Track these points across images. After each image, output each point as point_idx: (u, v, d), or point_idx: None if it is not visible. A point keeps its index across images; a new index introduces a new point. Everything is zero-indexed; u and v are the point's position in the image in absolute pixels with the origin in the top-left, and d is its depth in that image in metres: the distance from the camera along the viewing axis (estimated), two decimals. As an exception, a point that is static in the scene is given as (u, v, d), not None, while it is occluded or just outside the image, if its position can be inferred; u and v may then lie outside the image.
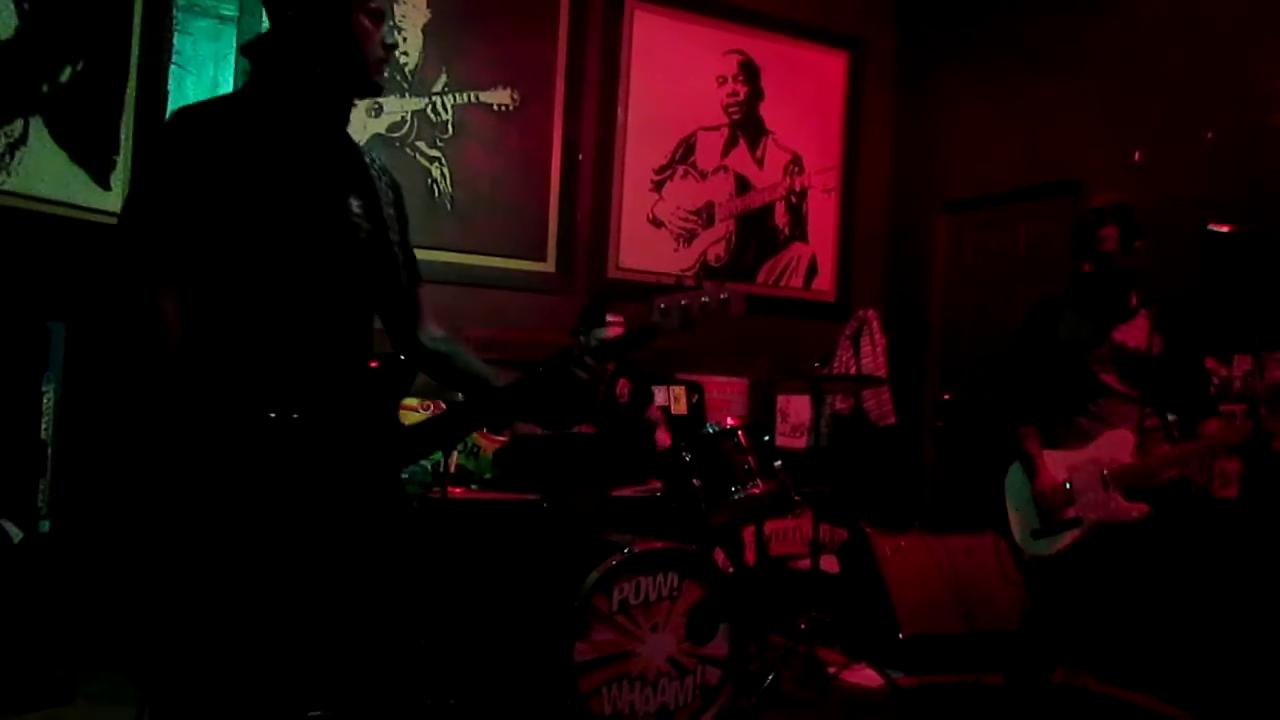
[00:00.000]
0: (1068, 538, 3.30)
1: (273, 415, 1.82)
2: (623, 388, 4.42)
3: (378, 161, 2.12)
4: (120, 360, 1.91)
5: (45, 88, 4.00)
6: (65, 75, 4.05)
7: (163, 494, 1.85)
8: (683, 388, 5.54)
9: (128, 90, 4.31)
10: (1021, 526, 3.46)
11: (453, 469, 4.28)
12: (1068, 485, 3.31)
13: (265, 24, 4.45)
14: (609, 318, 4.34)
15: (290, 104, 1.96)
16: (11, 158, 3.88)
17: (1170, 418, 3.35)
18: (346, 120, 2.07)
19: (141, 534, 1.93)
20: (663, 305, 2.09)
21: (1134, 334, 3.32)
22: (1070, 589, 3.34)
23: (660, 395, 5.08)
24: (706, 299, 2.11)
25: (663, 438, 4.57)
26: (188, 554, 1.82)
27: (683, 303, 2.09)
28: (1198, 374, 3.41)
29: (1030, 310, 3.63)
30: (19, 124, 3.91)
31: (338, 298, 1.96)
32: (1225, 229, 3.09)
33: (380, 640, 1.98)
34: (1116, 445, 3.30)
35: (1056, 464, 3.38)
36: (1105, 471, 3.27)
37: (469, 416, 2.17)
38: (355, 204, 2.00)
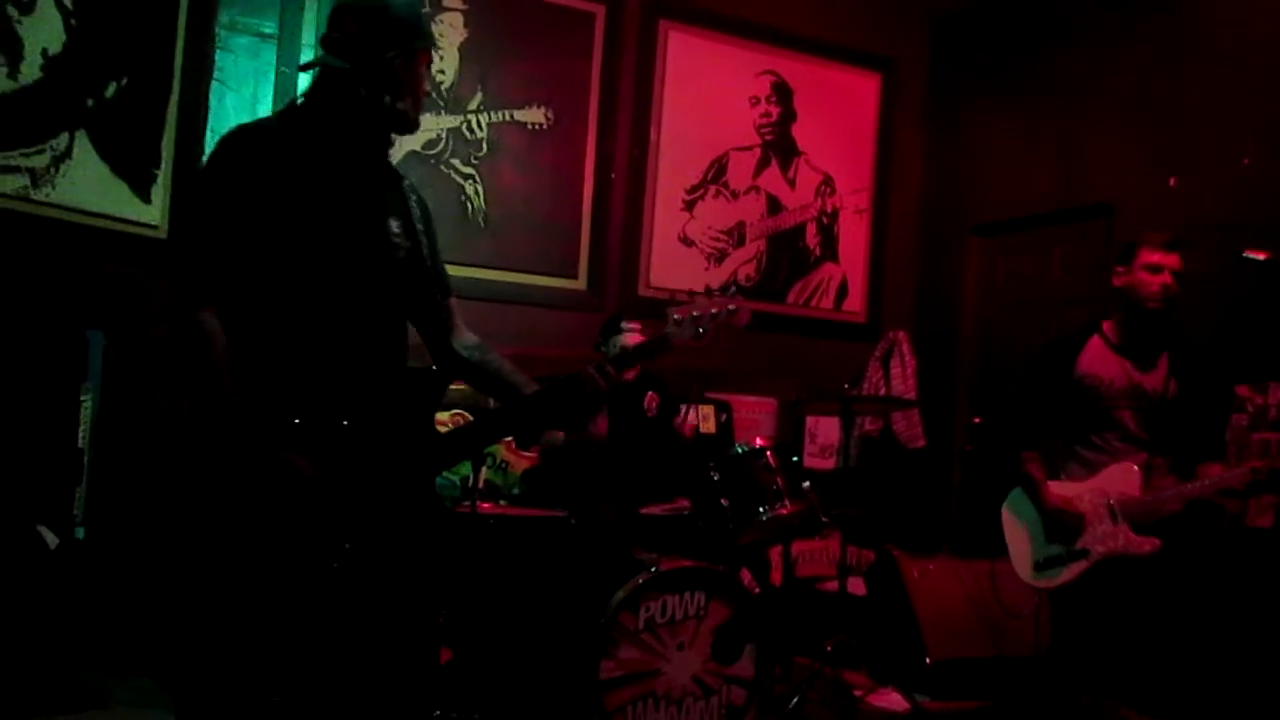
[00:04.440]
0: (1075, 569, 3.27)
1: (318, 425, 1.88)
2: (650, 401, 4.42)
3: (408, 180, 2.22)
4: (169, 374, 2.01)
5: (90, 102, 4.07)
6: (110, 90, 4.13)
7: (208, 502, 1.89)
8: (711, 407, 5.53)
9: (170, 106, 4.38)
10: (1025, 555, 3.42)
11: (481, 484, 4.30)
12: (1081, 515, 3.28)
13: (305, 43, 4.55)
14: (625, 324, 4.37)
15: (339, 129, 2.07)
16: (56, 170, 3.95)
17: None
18: (389, 145, 2.17)
19: (180, 541, 1.97)
20: (676, 316, 2.24)
21: (1154, 376, 3.31)
22: (1087, 618, 3.30)
23: (690, 414, 5.07)
24: (716, 309, 2.26)
25: (687, 427, 4.61)
26: (231, 560, 1.86)
27: (694, 313, 2.24)
28: (1208, 416, 3.39)
29: (1053, 340, 3.59)
30: (64, 138, 3.98)
31: (378, 315, 2.04)
32: (1261, 256, 3.07)
33: (411, 650, 2.01)
34: (1122, 477, 3.28)
35: (1061, 493, 3.35)
36: (1113, 503, 3.24)
37: (499, 423, 2.26)
38: (394, 224, 2.09)
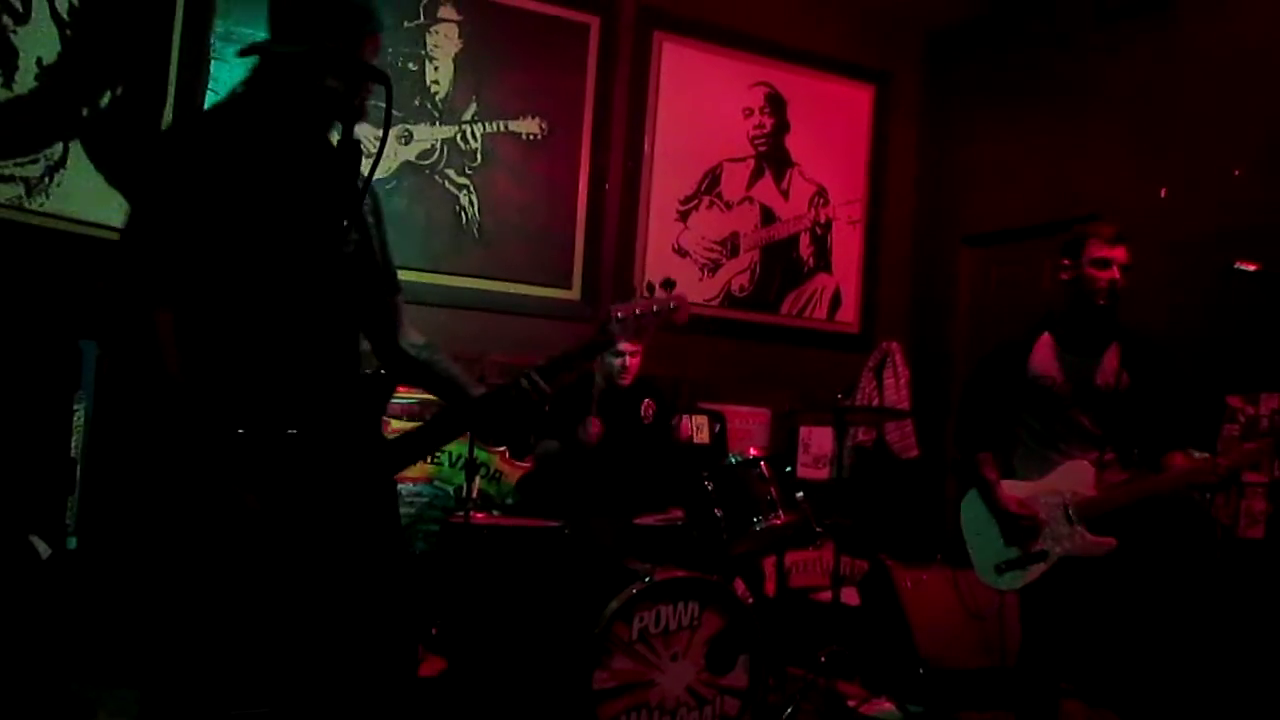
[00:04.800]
0: (1034, 571, 3.24)
1: (262, 431, 1.85)
2: (647, 409, 4.43)
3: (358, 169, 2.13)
4: (121, 378, 1.95)
5: (85, 112, 4.07)
6: (105, 100, 4.13)
7: (159, 509, 1.88)
8: (705, 417, 5.55)
9: (165, 116, 4.39)
10: (983, 559, 3.38)
11: (475, 495, 4.30)
12: (1035, 515, 3.25)
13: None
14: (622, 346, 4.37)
15: (284, 118, 2.00)
16: (50, 180, 3.96)
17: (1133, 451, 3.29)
18: (334, 132, 2.08)
19: (144, 548, 1.96)
20: (618, 315, 2.23)
21: (1104, 370, 3.26)
22: (1055, 619, 3.25)
23: (683, 425, 5.09)
24: (656, 307, 2.25)
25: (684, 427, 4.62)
26: (183, 567, 1.85)
27: (636, 311, 2.24)
28: (1167, 408, 3.28)
29: (1004, 341, 3.55)
30: (59, 147, 3.98)
31: (326, 310, 1.98)
32: (1251, 267, 3.07)
33: (381, 651, 2.00)
34: (1076, 477, 3.24)
35: (1015, 495, 3.31)
36: (1068, 504, 3.21)
37: (447, 425, 2.21)
38: (345, 221, 2.02)
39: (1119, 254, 3.22)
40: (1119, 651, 3.45)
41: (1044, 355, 3.35)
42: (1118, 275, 3.21)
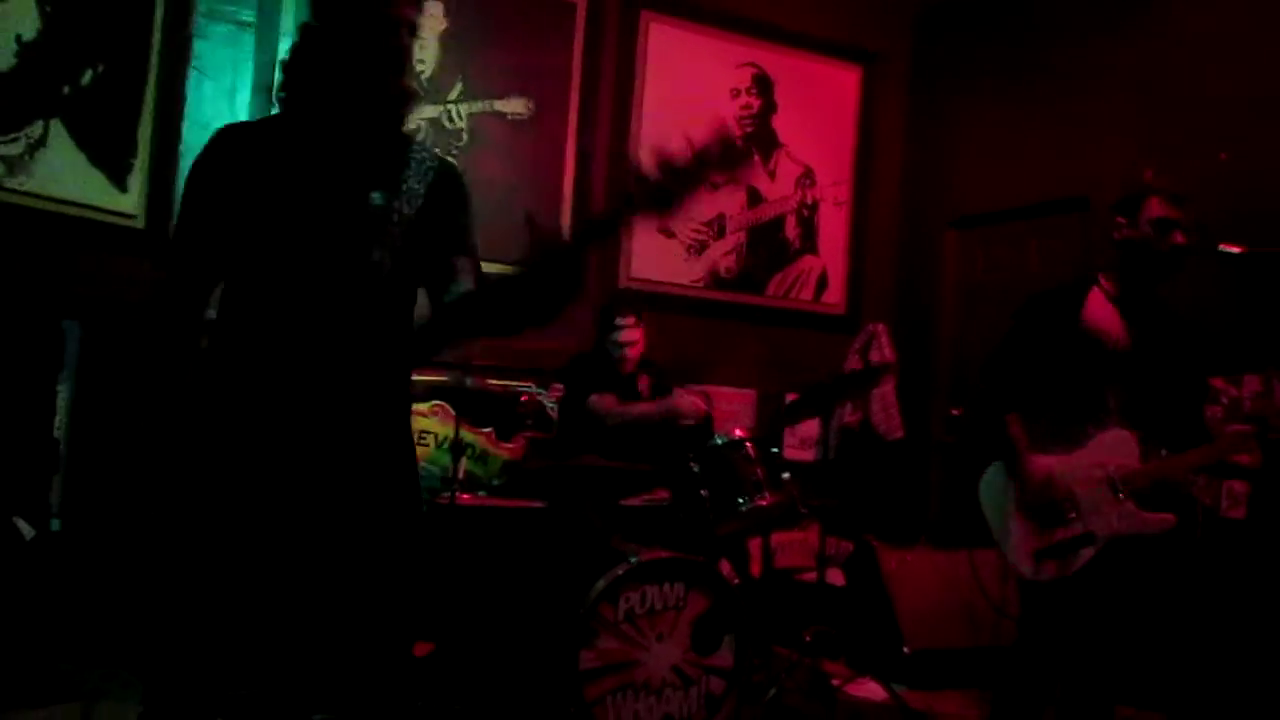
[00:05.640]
0: (1082, 557, 2.88)
1: (282, 415, 1.86)
2: (643, 384, 4.44)
3: (428, 155, 2.12)
4: (151, 365, 1.98)
5: (66, 90, 4.03)
6: (86, 78, 4.09)
7: (175, 491, 1.89)
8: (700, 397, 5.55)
9: (146, 94, 4.34)
10: (1015, 544, 3.02)
11: (461, 475, 4.30)
12: (1072, 491, 2.93)
13: (283, 31, 4.45)
14: (619, 320, 4.36)
15: (321, 102, 1.99)
16: (31, 158, 3.92)
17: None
18: (386, 124, 2.07)
19: (152, 529, 1.96)
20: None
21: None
22: (1077, 610, 2.94)
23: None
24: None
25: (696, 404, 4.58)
26: (195, 547, 1.86)
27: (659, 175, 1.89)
28: (1193, 386, 3.13)
29: (1044, 292, 3.20)
30: (39, 125, 3.94)
31: (353, 294, 1.96)
32: (1238, 250, 3.05)
33: (384, 637, 2.00)
34: (1118, 447, 2.93)
35: (1045, 466, 3.00)
36: (1113, 477, 2.90)
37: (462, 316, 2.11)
38: (377, 196, 2.01)
39: (1183, 216, 2.95)
40: (1134, 645, 3.11)
41: (1098, 309, 3.04)
42: (1183, 240, 2.94)
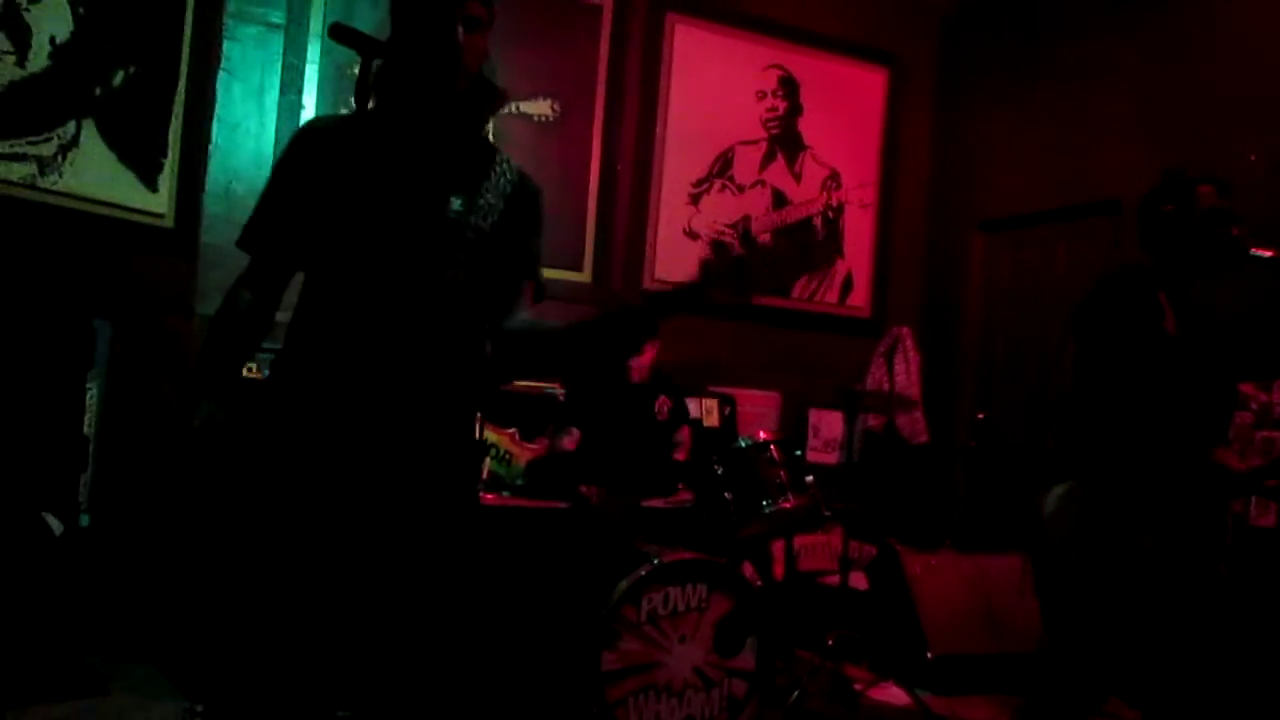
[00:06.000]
0: None
1: (343, 406, 1.89)
2: (661, 405, 4.43)
3: (510, 169, 2.14)
4: (177, 363, 2.02)
5: (98, 91, 4.08)
6: (118, 79, 4.14)
7: (210, 493, 1.91)
8: (715, 400, 5.55)
9: (177, 95, 4.39)
10: None
11: (485, 475, 4.31)
12: None
13: (313, 33, 4.47)
14: None
15: (400, 112, 2.02)
16: (63, 158, 3.96)
17: None
18: (464, 124, 2.09)
19: (183, 530, 1.98)
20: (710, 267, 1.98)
21: None
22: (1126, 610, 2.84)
23: (693, 407, 5.08)
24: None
25: (678, 456, 4.58)
26: (234, 545, 1.87)
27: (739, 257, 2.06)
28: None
29: (1110, 280, 2.87)
30: (71, 126, 3.99)
31: (425, 294, 1.97)
32: (1268, 253, 3.01)
33: (419, 636, 2.00)
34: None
35: None
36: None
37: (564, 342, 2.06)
38: (456, 202, 2.02)
39: (1232, 207, 2.85)
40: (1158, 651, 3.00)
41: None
42: (1238, 233, 2.83)
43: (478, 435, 2.14)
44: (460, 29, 1.95)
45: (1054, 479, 2.91)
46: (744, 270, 2.02)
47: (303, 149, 2.04)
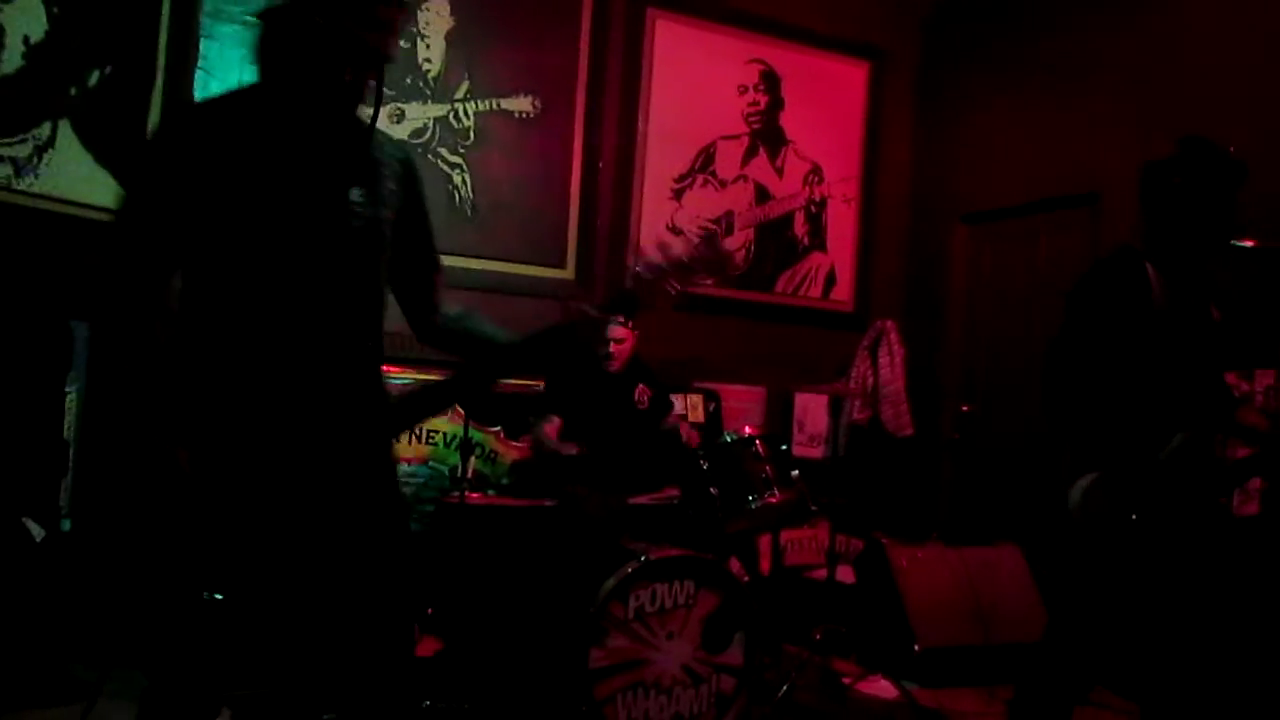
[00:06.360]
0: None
1: (259, 411, 1.81)
2: (641, 394, 4.42)
3: (390, 146, 2.04)
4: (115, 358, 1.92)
5: (73, 91, 4.04)
6: (93, 79, 4.10)
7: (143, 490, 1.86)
8: (700, 396, 5.54)
9: (154, 95, 4.35)
10: None
11: (470, 475, 4.29)
12: None
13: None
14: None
15: (292, 87, 1.88)
16: (39, 159, 3.93)
17: None
18: (355, 102, 1.93)
19: (153, 527, 1.95)
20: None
21: None
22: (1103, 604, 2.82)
23: (678, 403, 5.08)
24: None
25: (690, 435, 4.56)
26: (172, 546, 1.84)
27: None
28: None
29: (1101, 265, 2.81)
30: (47, 127, 3.95)
31: (328, 290, 1.88)
32: (1249, 244, 3.02)
33: (384, 624, 1.98)
34: None
35: None
36: None
37: (478, 374, 2.07)
38: (356, 193, 1.91)
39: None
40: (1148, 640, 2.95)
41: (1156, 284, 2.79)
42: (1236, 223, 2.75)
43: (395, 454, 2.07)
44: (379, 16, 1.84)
45: (1076, 470, 2.81)
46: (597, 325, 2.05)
47: (182, 133, 1.86)
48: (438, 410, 2.06)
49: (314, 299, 1.85)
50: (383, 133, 2.02)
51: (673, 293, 2.00)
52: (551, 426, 4.29)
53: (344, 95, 1.88)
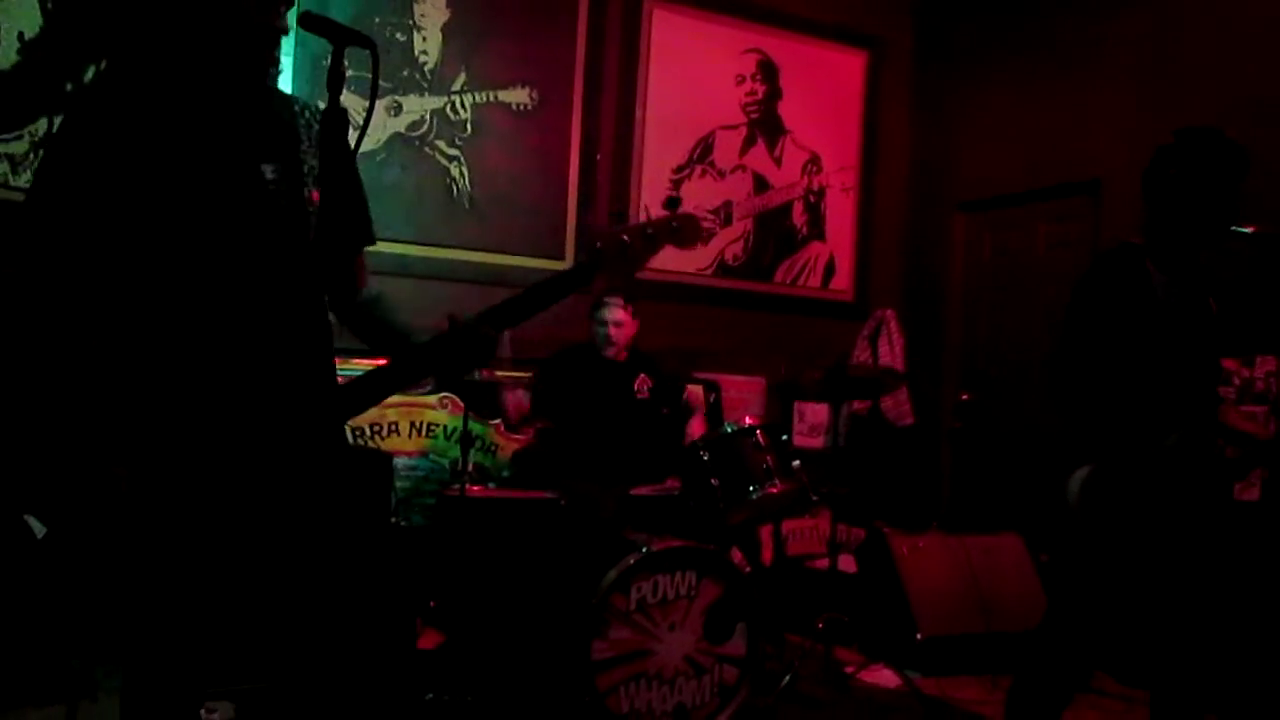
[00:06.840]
0: None
1: (199, 401, 1.74)
2: (641, 384, 4.42)
3: (300, 104, 1.94)
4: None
5: (69, 87, 4.02)
6: (89, 74, 4.08)
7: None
8: (700, 386, 5.54)
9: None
10: None
11: (470, 468, 4.29)
12: None
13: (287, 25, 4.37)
14: (607, 299, 4.36)
15: (194, 67, 1.80)
16: (36, 156, 3.91)
17: None
18: (261, 75, 1.86)
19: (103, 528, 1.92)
20: (598, 244, 1.95)
21: None
22: (1105, 591, 2.77)
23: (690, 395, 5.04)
24: (651, 230, 1.94)
25: (695, 426, 4.55)
26: (143, 545, 1.83)
27: (623, 238, 1.94)
28: None
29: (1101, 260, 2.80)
30: (43, 123, 3.94)
31: (254, 273, 1.81)
32: (1249, 229, 3.00)
33: (368, 626, 1.97)
34: None
35: None
36: None
37: (392, 376, 1.96)
38: (269, 170, 1.83)
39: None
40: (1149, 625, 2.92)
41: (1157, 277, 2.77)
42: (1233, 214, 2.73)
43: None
44: None
45: (1074, 462, 2.78)
46: (627, 251, 1.93)
47: (91, 121, 1.77)
48: (371, 403, 1.96)
49: (237, 286, 1.77)
50: (296, 98, 1.93)
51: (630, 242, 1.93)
52: (518, 399, 4.28)
53: (242, 65, 1.80)
